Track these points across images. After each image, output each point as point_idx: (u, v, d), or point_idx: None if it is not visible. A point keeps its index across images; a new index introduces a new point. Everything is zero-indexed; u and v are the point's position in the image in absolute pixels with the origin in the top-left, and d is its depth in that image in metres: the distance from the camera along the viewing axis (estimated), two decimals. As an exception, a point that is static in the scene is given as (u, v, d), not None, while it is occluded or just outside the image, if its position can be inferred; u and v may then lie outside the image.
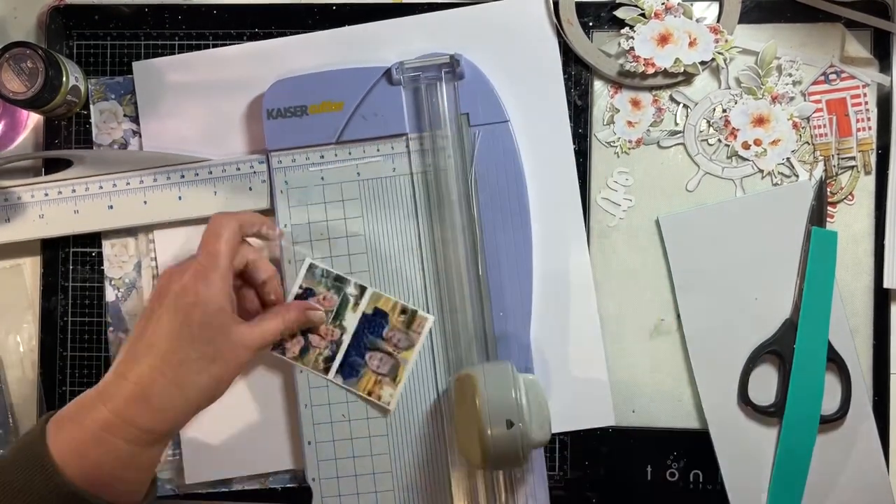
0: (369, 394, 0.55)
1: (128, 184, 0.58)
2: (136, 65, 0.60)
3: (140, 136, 0.60)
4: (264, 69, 0.59)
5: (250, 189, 0.57)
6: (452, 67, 0.56)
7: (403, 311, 0.56)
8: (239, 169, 0.57)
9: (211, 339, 0.46)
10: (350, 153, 0.57)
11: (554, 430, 0.55)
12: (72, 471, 0.42)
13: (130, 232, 0.60)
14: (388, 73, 0.56)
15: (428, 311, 0.56)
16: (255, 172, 0.57)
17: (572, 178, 0.58)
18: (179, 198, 0.58)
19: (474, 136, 0.56)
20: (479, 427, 0.48)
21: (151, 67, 0.60)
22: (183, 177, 0.58)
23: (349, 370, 0.55)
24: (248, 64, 0.59)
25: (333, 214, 0.57)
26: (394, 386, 0.55)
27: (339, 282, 0.56)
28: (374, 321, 0.56)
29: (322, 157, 0.57)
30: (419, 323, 0.56)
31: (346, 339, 0.56)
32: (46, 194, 0.58)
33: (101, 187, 0.58)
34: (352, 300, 0.56)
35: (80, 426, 0.43)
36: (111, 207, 0.58)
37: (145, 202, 0.58)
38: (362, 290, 0.56)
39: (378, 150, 0.57)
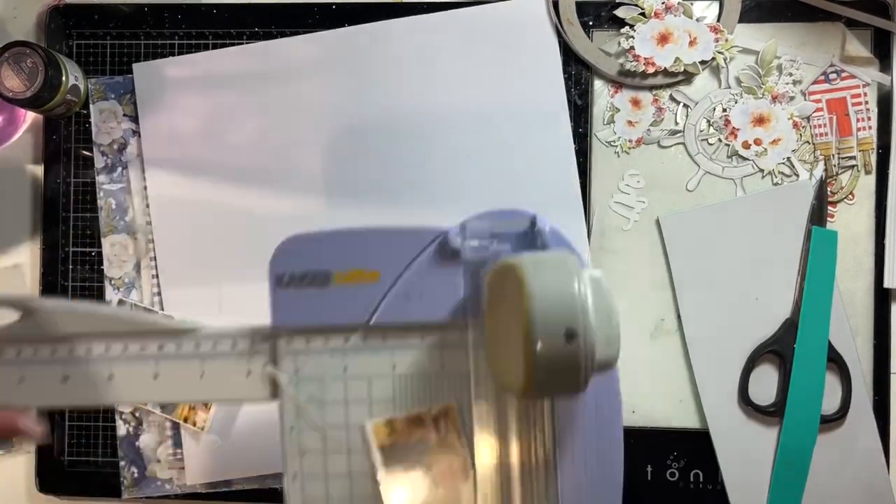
0: (185, 420, 0.58)
1: (89, 350, 0.43)
2: (136, 66, 0.60)
3: (139, 136, 0.60)
4: (264, 69, 0.59)
5: (248, 374, 0.43)
6: (533, 237, 0.41)
7: None
8: (235, 345, 0.42)
9: None
10: (384, 340, 0.42)
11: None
12: None
13: (130, 231, 0.60)
14: (443, 239, 0.41)
15: None
16: (256, 353, 0.43)
17: (573, 178, 0.57)
18: (155, 376, 0.43)
19: None
20: (525, 338, 0.34)
21: (152, 68, 0.60)
22: (161, 348, 0.43)
23: None
24: (248, 64, 0.59)
25: (356, 417, 0.42)
26: (206, 411, 0.58)
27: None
28: None
29: (347, 341, 0.42)
30: None
31: None
32: None
33: (53, 352, 0.43)
34: None
35: None
36: (66, 379, 0.42)
37: (110, 377, 0.43)
38: None
39: (423, 340, 0.42)
